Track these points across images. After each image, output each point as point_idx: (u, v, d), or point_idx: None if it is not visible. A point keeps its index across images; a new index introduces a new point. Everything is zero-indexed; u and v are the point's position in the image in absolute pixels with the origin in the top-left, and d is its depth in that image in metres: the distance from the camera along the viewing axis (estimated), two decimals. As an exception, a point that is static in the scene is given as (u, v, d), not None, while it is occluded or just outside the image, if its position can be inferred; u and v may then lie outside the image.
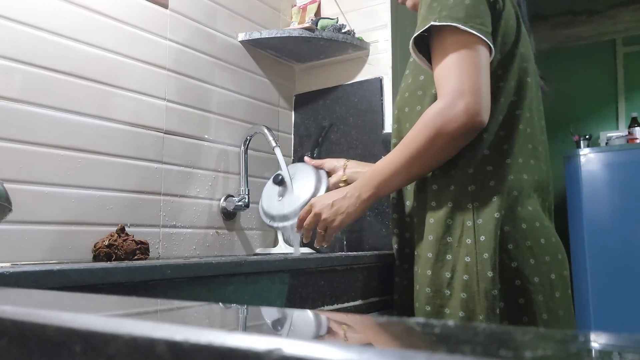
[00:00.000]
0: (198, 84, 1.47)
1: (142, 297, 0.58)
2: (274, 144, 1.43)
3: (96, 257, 1.13)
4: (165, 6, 1.40)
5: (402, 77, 1.20)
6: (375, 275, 1.17)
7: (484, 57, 0.96)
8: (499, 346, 0.23)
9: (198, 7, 1.49)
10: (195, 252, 1.43)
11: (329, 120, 1.72)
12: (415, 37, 1.00)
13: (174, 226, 1.38)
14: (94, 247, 1.14)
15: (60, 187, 1.14)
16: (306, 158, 1.42)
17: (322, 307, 1.01)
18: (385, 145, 1.58)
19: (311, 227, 1.13)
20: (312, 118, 1.76)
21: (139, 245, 1.13)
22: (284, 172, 1.38)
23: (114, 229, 1.17)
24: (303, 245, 1.35)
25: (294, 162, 1.76)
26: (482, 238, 0.96)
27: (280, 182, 1.39)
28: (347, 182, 1.28)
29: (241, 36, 1.61)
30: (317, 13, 1.75)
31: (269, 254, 1.48)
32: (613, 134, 3.43)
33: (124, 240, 1.13)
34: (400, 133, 1.12)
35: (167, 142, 1.37)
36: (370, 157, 1.58)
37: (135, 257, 1.11)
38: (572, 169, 3.05)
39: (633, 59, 3.58)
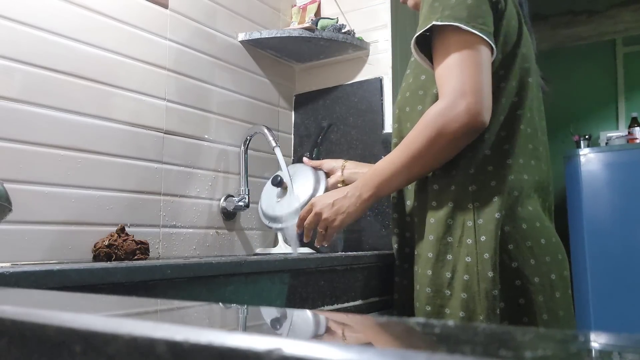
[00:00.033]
0: (198, 84, 1.47)
1: (142, 297, 0.58)
2: (274, 144, 1.43)
3: (96, 257, 1.13)
4: (165, 6, 1.40)
5: (402, 77, 1.20)
6: (375, 275, 1.17)
7: (485, 57, 0.96)
8: (499, 346, 0.23)
9: (198, 7, 1.49)
10: (195, 252, 1.43)
11: (329, 121, 1.72)
12: (417, 37, 1.00)
13: (174, 226, 1.37)
14: (94, 247, 1.14)
15: (60, 187, 1.14)
16: (305, 159, 1.42)
17: (322, 307, 1.01)
18: (385, 145, 1.58)
19: (312, 227, 1.13)
20: (312, 118, 1.76)
21: (139, 245, 1.13)
22: (284, 172, 1.38)
23: (114, 229, 1.17)
24: (303, 245, 1.35)
25: (294, 162, 1.76)
26: (483, 238, 0.96)
27: (279, 183, 1.39)
28: (345, 183, 1.28)
29: (241, 36, 1.61)
30: (317, 13, 1.75)
31: (269, 254, 1.48)
32: (613, 134, 3.43)
33: (124, 240, 1.13)
34: (401, 133, 1.12)
35: (167, 142, 1.37)
36: (370, 157, 1.58)
37: (135, 257, 1.11)
38: (572, 169, 3.05)
39: (633, 59, 3.58)
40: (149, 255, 1.16)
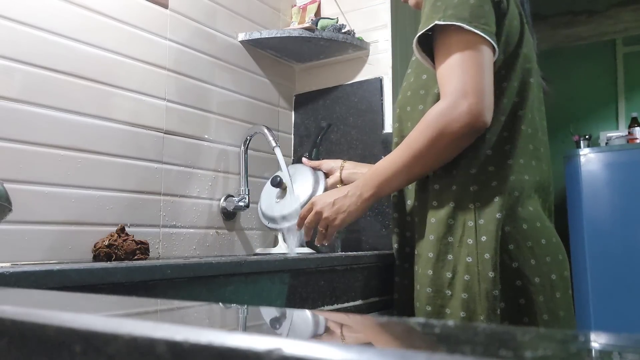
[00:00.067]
0: (198, 84, 1.47)
1: (142, 297, 0.58)
2: (274, 144, 1.43)
3: (96, 257, 1.13)
4: (165, 6, 1.40)
5: (402, 77, 1.20)
6: (375, 275, 1.17)
7: (487, 58, 0.96)
8: (499, 346, 0.23)
9: (198, 7, 1.49)
10: (195, 252, 1.43)
11: (329, 121, 1.72)
12: (419, 36, 1.00)
13: (174, 226, 1.38)
14: (94, 247, 1.14)
15: (60, 187, 1.14)
16: (304, 159, 1.42)
17: (322, 307, 1.01)
18: (385, 145, 1.58)
19: (312, 226, 1.13)
20: (312, 118, 1.76)
21: (139, 245, 1.13)
22: (284, 172, 1.38)
23: (114, 229, 1.17)
24: (302, 245, 1.35)
25: (294, 162, 1.76)
26: (484, 238, 0.96)
27: (278, 184, 1.39)
28: (343, 184, 1.28)
29: (241, 36, 1.61)
30: (317, 13, 1.75)
31: (269, 254, 1.48)
32: (613, 134, 3.43)
33: (124, 240, 1.13)
34: (401, 132, 1.12)
35: (167, 142, 1.37)
36: (370, 157, 1.58)
37: (135, 257, 1.11)
38: (572, 169, 3.05)
39: (633, 59, 3.58)
40: (149, 255, 1.16)
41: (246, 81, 1.63)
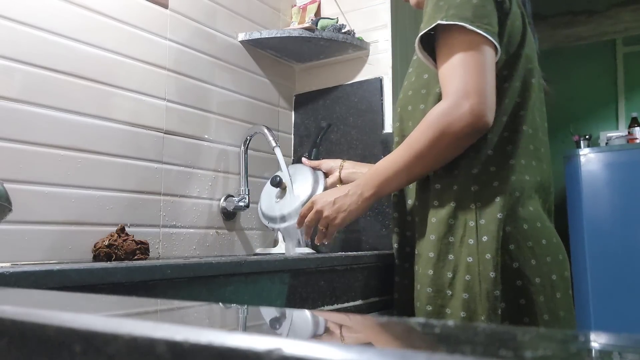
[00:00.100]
0: (198, 84, 1.47)
1: (142, 297, 0.58)
2: (274, 144, 1.43)
3: (96, 257, 1.13)
4: (165, 6, 1.40)
5: (402, 77, 1.20)
6: (375, 275, 1.17)
7: (489, 58, 0.96)
8: (500, 346, 0.23)
9: (198, 7, 1.49)
10: (195, 252, 1.43)
11: (329, 121, 1.72)
12: (421, 35, 1.00)
13: (174, 226, 1.37)
14: (94, 247, 1.14)
15: (60, 187, 1.14)
16: (303, 159, 1.42)
17: (322, 307, 1.01)
18: (385, 145, 1.58)
19: (312, 224, 1.13)
20: (312, 118, 1.76)
21: (139, 245, 1.13)
22: (284, 172, 1.38)
23: (114, 229, 1.17)
24: (302, 245, 1.35)
25: (293, 162, 1.76)
26: (485, 238, 0.96)
27: (278, 184, 1.39)
28: (342, 183, 1.28)
29: (241, 36, 1.61)
30: (317, 13, 1.75)
31: (269, 254, 1.48)
32: (613, 134, 3.43)
33: (124, 240, 1.13)
34: (402, 131, 1.12)
35: (167, 142, 1.37)
36: (370, 157, 1.58)
37: (135, 257, 1.11)
38: (572, 169, 3.05)
39: (633, 59, 3.58)
40: (149, 255, 1.16)
41: (246, 81, 1.63)
